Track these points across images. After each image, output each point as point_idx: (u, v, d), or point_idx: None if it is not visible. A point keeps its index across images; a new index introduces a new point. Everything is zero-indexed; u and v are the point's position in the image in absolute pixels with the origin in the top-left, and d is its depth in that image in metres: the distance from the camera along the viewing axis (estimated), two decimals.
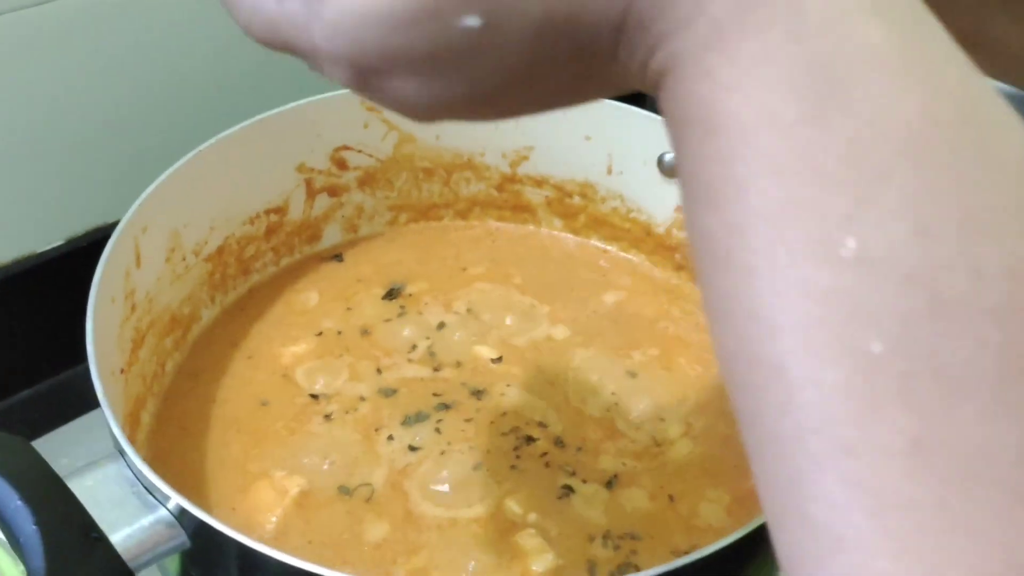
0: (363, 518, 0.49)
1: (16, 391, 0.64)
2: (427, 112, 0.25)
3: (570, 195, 0.65)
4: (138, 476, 0.41)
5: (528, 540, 0.47)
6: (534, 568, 0.46)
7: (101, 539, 0.38)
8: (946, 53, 0.22)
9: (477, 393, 0.54)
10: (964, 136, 0.21)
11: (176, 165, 0.54)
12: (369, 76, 0.24)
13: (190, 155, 0.55)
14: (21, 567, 0.37)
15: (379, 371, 0.56)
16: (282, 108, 0.58)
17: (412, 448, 0.51)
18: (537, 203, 0.65)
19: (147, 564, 0.40)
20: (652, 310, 0.61)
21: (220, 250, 0.59)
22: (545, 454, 0.51)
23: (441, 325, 0.59)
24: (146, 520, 0.40)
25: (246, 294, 0.61)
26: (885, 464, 0.20)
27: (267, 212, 0.61)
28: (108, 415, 0.42)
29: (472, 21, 0.22)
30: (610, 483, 0.50)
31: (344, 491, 0.50)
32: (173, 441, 0.52)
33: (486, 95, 0.24)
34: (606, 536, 0.48)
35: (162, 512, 0.41)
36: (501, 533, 0.48)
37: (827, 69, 0.21)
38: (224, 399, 0.54)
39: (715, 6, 0.22)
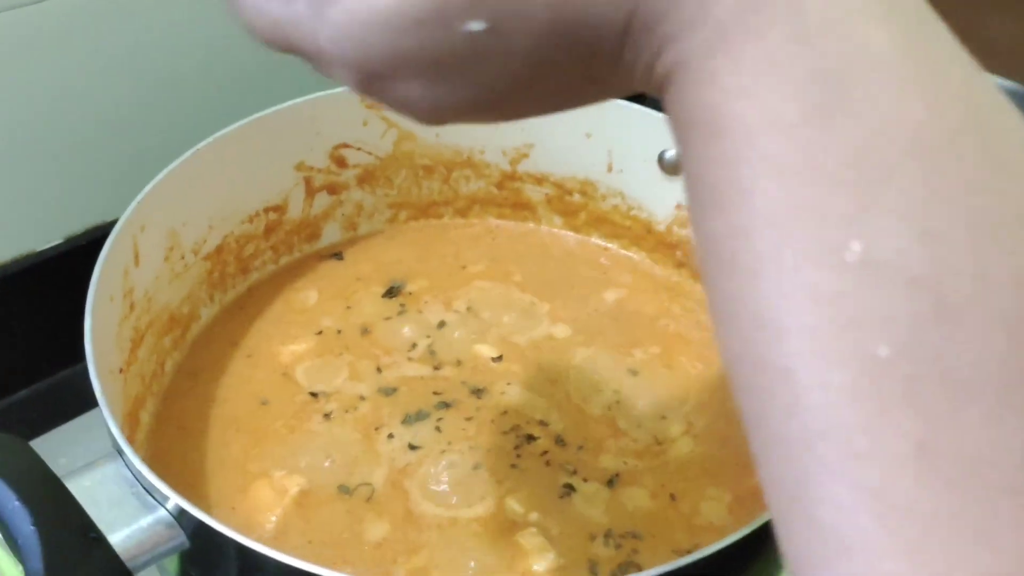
0: (363, 517, 0.48)
1: (15, 390, 0.64)
2: (433, 115, 0.25)
3: (570, 193, 0.64)
4: (137, 476, 0.41)
5: (529, 539, 0.47)
6: (535, 567, 0.46)
7: (100, 540, 0.38)
8: (951, 54, 0.22)
9: (477, 392, 0.54)
10: (969, 139, 0.21)
11: (174, 163, 0.54)
12: (374, 79, 0.24)
13: (188, 153, 0.54)
14: (21, 567, 0.36)
15: (379, 370, 0.56)
16: (281, 106, 0.58)
17: (412, 447, 0.51)
18: (537, 201, 0.65)
19: (146, 565, 0.40)
20: (653, 308, 0.60)
21: (219, 249, 0.58)
22: (546, 453, 0.51)
23: (441, 324, 0.58)
24: (145, 520, 0.40)
25: (245, 293, 0.60)
26: (892, 467, 0.20)
27: (266, 210, 0.61)
28: (106, 415, 0.42)
29: (476, 25, 0.22)
30: (611, 482, 0.50)
31: (344, 490, 0.49)
32: (172, 441, 0.52)
33: (492, 98, 0.24)
34: (607, 535, 0.48)
35: (161, 512, 0.40)
36: (502, 532, 0.48)
37: (831, 72, 0.21)
38: (224, 398, 0.54)
39: (719, 10, 0.22)
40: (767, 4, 0.21)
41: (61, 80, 0.60)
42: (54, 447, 0.58)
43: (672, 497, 0.50)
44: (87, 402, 0.43)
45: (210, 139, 0.55)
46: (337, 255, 0.63)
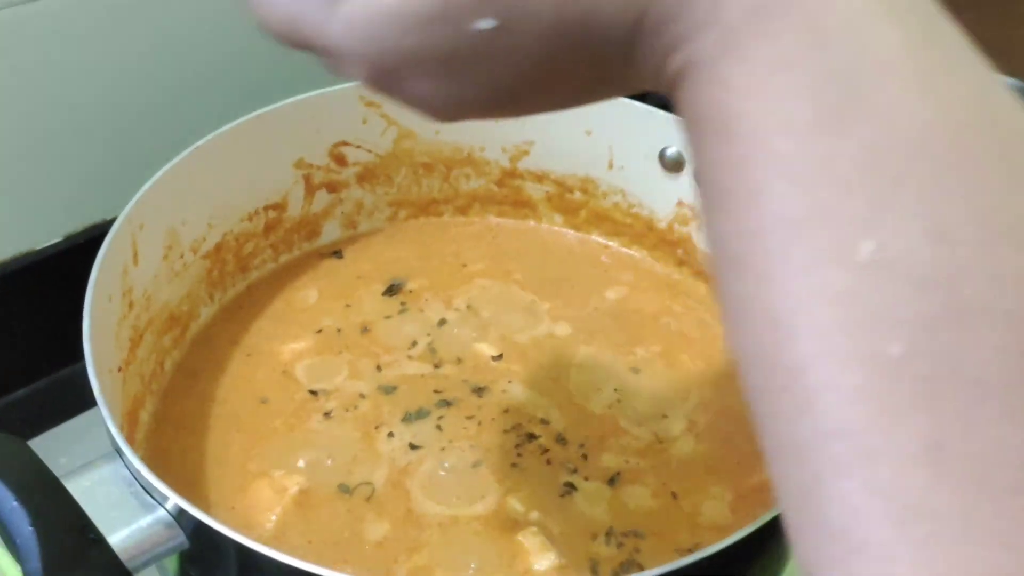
0: (363, 517, 0.48)
1: (14, 389, 0.64)
2: (444, 112, 0.26)
3: (571, 190, 0.64)
4: (136, 476, 0.41)
5: (530, 539, 0.47)
6: (536, 567, 0.46)
7: (98, 540, 0.38)
8: (963, 56, 0.22)
9: (478, 390, 0.54)
10: (981, 139, 0.21)
11: (173, 161, 0.54)
12: (385, 76, 0.24)
13: (188, 151, 0.54)
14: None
15: (379, 368, 0.55)
16: (280, 103, 0.58)
17: (413, 446, 0.51)
18: (538, 198, 0.65)
19: (145, 565, 0.40)
20: (654, 306, 0.60)
21: (218, 247, 0.58)
22: (547, 451, 0.51)
23: (442, 322, 0.58)
24: (144, 521, 0.40)
25: (245, 291, 0.60)
26: (904, 468, 0.20)
27: (266, 209, 0.60)
28: (105, 414, 0.42)
29: (486, 23, 0.22)
30: (613, 480, 0.50)
31: (344, 489, 0.49)
32: (172, 440, 0.52)
33: (503, 96, 0.25)
34: (609, 534, 0.48)
35: (160, 512, 0.40)
36: (503, 531, 0.47)
37: (842, 74, 0.21)
38: (223, 397, 0.54)
39: (730, 12, 0.22)
40: (778, 5, 0.21)
41: (60, 78, 0.60)
42: (53, 446, 0.58)
43: (674, 496, 0.50)
44: (86, 401, 0.43)
45: (209, 137, 0.55)
46: (337, 253, 0.63)
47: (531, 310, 0.59)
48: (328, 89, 0.59)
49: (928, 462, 0.19)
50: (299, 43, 0.26)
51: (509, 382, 0.55)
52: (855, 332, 0.20)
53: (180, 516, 0.40)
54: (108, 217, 0.51)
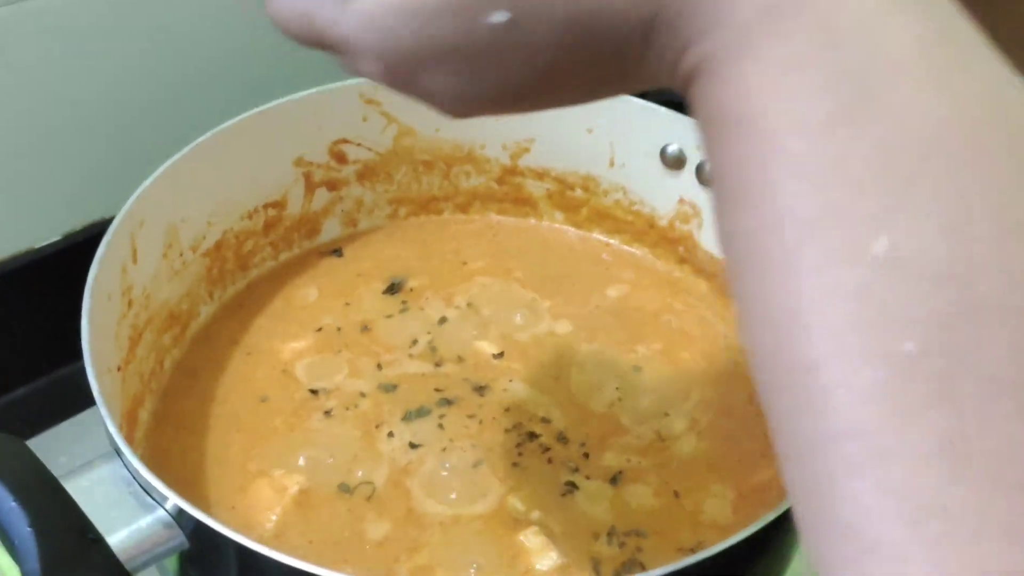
0: (364, 516, 0.48)
1: (13, 388, 0.64)
2: (458, 107, 0.26)
3: (572, 188, 0.64)
4: (135, 476, 0.41)
5: (532, 538, 0.46)
6: (538, 567, 0.46)
7: (98, 541, 0.37)
8: (978, 53, 0.22)
9: (479, 389, 0.54)
10: (995, 136, 0.21)
11: (172, 159, 0.53)
12: (399, 70, 0.25)
13: (186, 149, 0.54)
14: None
15: (379, 367, 0.55)
16: (280, 101, 0.58)
17: (413, 445, 0.51)
18: (538, 196, 0.65)
19: (145, 566, 0.40)
20: (655, 304, 0.60)
21: (218, 245, 0.58)
22: (548, 450, 0.51)
23: (442, 320, 0.58)
24: (143, 521, 0.40)
25: (245, 290, 0.60)
26: (919, 467, 0.19)
27: (265, 206, 0.60)
28: (104, 414, 0.42)
29: (499, 16, 0.23)
30: (614, 479, 0.50)
31: (344, 489, 0.49)
32: (171, 439, 0.52)
33: (516, 91, 0.25)
34: (611, 533, 0.47)
35: (160, 512, 0.40)
36: (504, 531, 0.47)
37: (856, 72, 0.21)
38: (223, 396, 0.54)
39: (743, 11, 0.22)
40: (791, 5, 0.21)
41: (59, 75, 0.60)
42: (54, 445, 0.58)
43: (676, 494, 0.49)
44: (86, 400, 0.42)
45: (209, 134, 0.55)
46: (337, 252, 0.63)
47: (532, 308, 0.59)
48: (328, 86, 0.59)
49: (942, 460, 0.19)
50: (313, 40, 0.26)
51: (510, 381, 0.54)
52: (868, 330, 0.20)
53: (180, 516, 0.40)
54: (107, 215, 0.51)
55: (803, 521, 0.22)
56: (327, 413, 0.53)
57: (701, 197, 0.59)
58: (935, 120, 0.21)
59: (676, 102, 0.58)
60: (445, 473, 0.50)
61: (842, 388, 0.20)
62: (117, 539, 0.39)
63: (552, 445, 0.51)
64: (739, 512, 0.49)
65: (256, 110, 0.57)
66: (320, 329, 0.57)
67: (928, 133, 0.21)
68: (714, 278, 0.60)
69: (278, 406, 0.53)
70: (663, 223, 0.62)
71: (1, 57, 0.57)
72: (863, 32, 0.21)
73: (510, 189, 0.65)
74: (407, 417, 0.52)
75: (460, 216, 0.66)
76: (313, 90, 0.59)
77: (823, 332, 0.21)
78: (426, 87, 0.25)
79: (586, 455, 0.51)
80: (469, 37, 0.23)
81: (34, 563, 0.35)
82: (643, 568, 0.46)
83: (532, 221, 0.65)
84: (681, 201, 0.61)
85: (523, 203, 0.65)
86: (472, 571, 0.46)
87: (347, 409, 0.53)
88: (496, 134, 0.63)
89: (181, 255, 0.56)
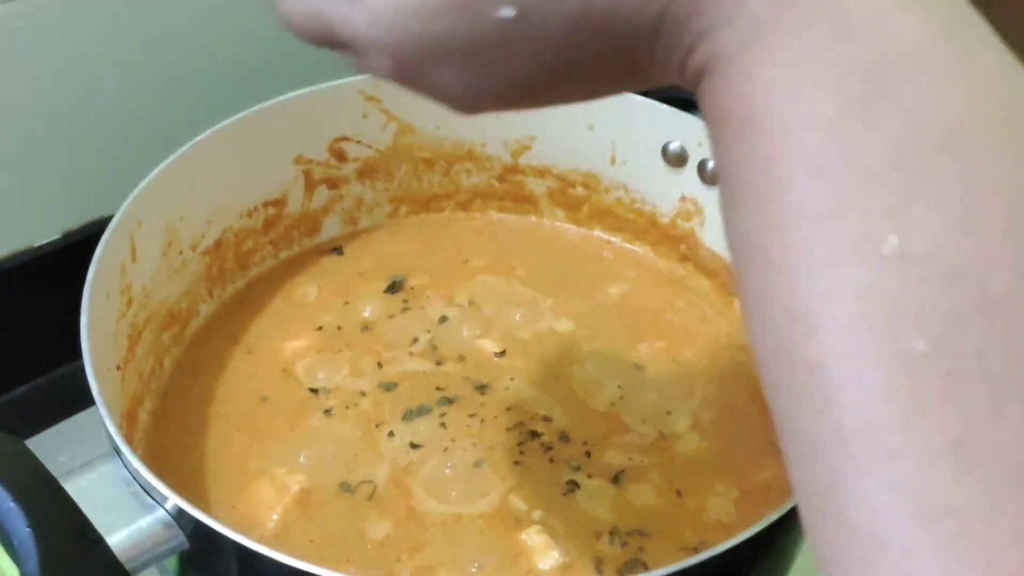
0: (365, 515, 0.48)
1: (12, 387, 0.63)
2: (468, 102, 0.26)
3: (573, 185, 0.64)
4: (135, 476, 0.40)
5: (534, 538, 0.46)
6: (540, 566, 0.45)
7: (97, 541, 0.37)
8: (990, 49, 0.22)
9: (480, 388, 0.54)
10: (1008, 132, 0.21)
11: (172, 157, 0.53)
12: (409, 66, 0.25)
13: (186, 147, 0.54)
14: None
15: (380, 365, 0.55)
16: (279, 98, 0.57)
17: (414, 444, 0.51)
18: (539, 194, 0.65)
19: (145, 566, 0.39)
20: (657, 302, 0.60)
21: (218, 244, 0.58)
22: (550, 449, 0.51)
23: (443, 319, 0.58)
24: (143, 521, 0.39)
25: (244, 288, 0.60)
26: (929, 466, 0.19)
27: (265, 205, 0.60)
28: (103, 413, 0.41)
29: (507, 11, 0.23)
30: (616, 478, 0.49)
31: (346, 488, 0.49)
32: (172, 439, 0.51)
33: (525, 86, 0.25)
34: (613, 533, 0.47)
35: (160, 512, 0.40)
36: (506, 530, 0.47)
37: (869, 67, 0.21)
38: (223, 396, 0.54)
39: (754, 5, 0.22)
40: (806, 1, 0.21)
41: (57, 73, 0.60)
42: (54, 444, 0.57)
43: (678, 493, 0.49)
44: (85, 400, 0.42)
45: (208, 132, 0.55)
46: (337, 250, 0.63)
47: (533, 306, 0.59)
48: (328, 84, 0.59)
49: (953, 459, 0.19)
50: (324, 37, 0.26)
51: (511, 379, 0.54)
52: (878, 328, 0.20)
53: (180, 516, 0.40)
54: (106, 214, 0.51)
55: (810, 521, 0.22)
56: (327, 412, 0.52)
57: (703, 195, 0.59)
58: (950, 115, 0.21)
59: (678, 99, 0.57)
60: (446, 472, 0.49)
61: (851, 386, 0.20)
62: (117, 539, 0.39)
63: (554, 444, 0.51)
64: (742, 511, 0.49)
65: (256, 108, 0.57)
66: (320, 328, 0.57)
67: (943, 128, 0.21)
68: (716, 276, 0.60)
69: (278, 405, 0.53)
70: (665, 221, 0.62)
71: (1, 55, 0.57)
72: (876, 26, 0.21)
73: (511, 187, 0.65)
74: (408, 416, 0.52)
75: (461, 214, 0.65)
76: (313, 88, 0.58)
77: (832, 330, 0.20)
78: (435, 82, 0.25)
79: (588, 454, 0.51)
80: (476, 32, 0.23)
81: (33, 564, 0.35)
82: (645, 567, 0.46)
83: (533, 219, 0.65)
84: (683, 199, 0.60)
85: (524, 201, 0.65)
86: (474, 570, 0.46)
87: (347, 408, 0.53)
88: (497, 132, 0.63)
89: (181, 254, 0.55)
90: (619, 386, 0.54)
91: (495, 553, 0.46)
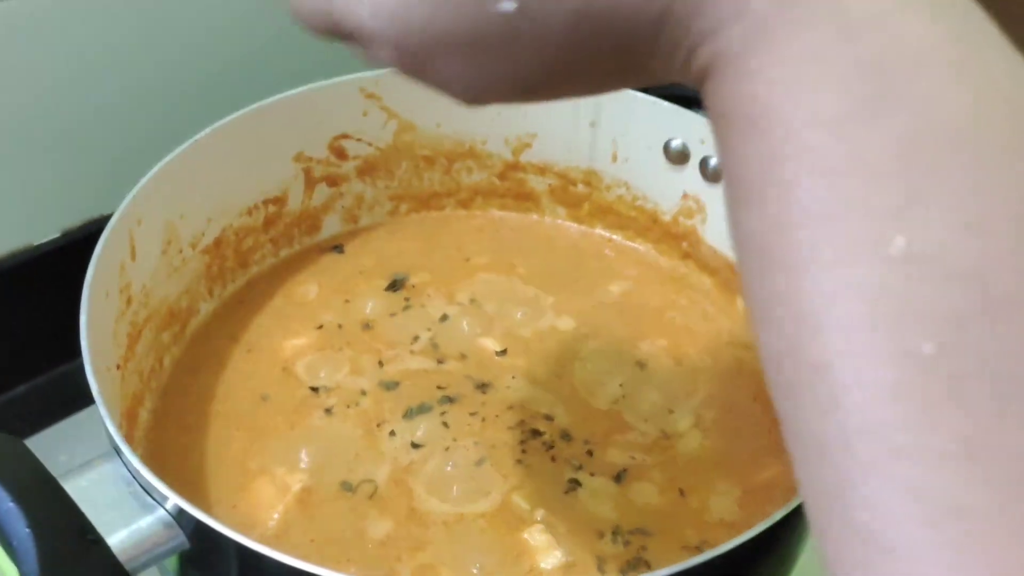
0: (366, 515, 0.48)
1: (12, 387, 0.63)
2: (471, 95, 0.26)
3: (574, 183, 0.63)
4: (135, 475, 0.40)
5: (536, 537, 0.46)
6: (542, 565, 0.45)
7: (97, 541, 0.37)
8: (997, 49, 0.22)
9: (482, 386, 0.53)
10: (1015, 132, 0.21)
11: (171, 156, 0.53)
12: (413, 57, 0.25)
13: (185, 145, 0.53)
14: None
15: (381, 364, 0.55)
16: (279, 96, 0.57)
17: (415, 443, 0.51)
18: (540, 191, 0.64)
19: (145, 566, 0.39)
20: (659, 300, 0.60)
21: (217, 242, 0.58)
22: (552, 448, 0.50)
23: (444, 317, 0.58)
24: (143, 521, 0.39)
25: (244, 287, 0.60)
26: (937, 468, 0.19)
27: (265, 203, 0.60)
28: (103, 413, 0.41)
29: (507, 6, 0.23)
30: (619, 477, 0.49)
31: (346, 487, 0.49)
32: (172, 438, 0.51)
33: (528, 80, 0.25)
34: (615, 532, 0.47)
35: (160, 512, 0.40)
36: (508, 529, 0.47)
37: (875, 66, 0.21)
38: (224, 394, 0.53)
39: (757, 4, 0.21)
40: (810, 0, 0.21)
41: (56, 72, 0.59)
42: (54, 443, 0.57)
43: (681, 492, 0.49)
44: (85, 399, 0.42)
45: (207, 130, 0.54)
46: (338, 248, 0.63)
47: (535, 304, 0.59)
48: (328, 82, 0.58)
49: (961, 460, 0.19)
50: (331, 29, 0.26)
51: (513, 378, 0.54)
52: (885, 328, 0.20)
53: (180, 516, 0.40)
54: (105, 212, 0.50)
55: (817, 523, 0.21)
56: (328, 411, 0.52)
57: (705, 192, 0.59)
58: (955, 114, 0.21)
59: (679, 96, 0.57)
60: (448, 471, 0.49)
61: (857, 387, 0.20)
62: (117, 539, 0.39)
63: (555, 442, 0.51)
64: (745, 509, 0.48)
65: (255, 105, 0.56)
66: (321, 326, 0.57)
67: (949, 126, 0.20)
68: (718, 273, 0.60)
69: (279, 404, 0.53)
70: (666, 218, 0.61)
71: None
72: (881, 24, 0.21)
73: (512, 185, 0.64)
74: (409, 415, 0.52)
75: (462, 212, 0.65)
76: (313, 85, 0.58)
77: (837, 330, 0.20)
78: (438, 74, 0.25)
79: (590, 452, 0.50)
80: (477, 25, 0.23)
81: (33, 564, 0.35)
82: (648, 567, 0.45)
83: (534, 217, 0.65)
84: (685, 196, 0.60)
85: (525, 199, 0.65)
86: (475, 570, 0.45)
87: (348, 407, 0.52)
88: (498, 129, 0.62)
89: (180, 252, 0.55)
90: (621, 384, 0.54)
91: (497, 552, 0.46)
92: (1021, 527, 0.19)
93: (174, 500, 0.39)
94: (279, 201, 0.60)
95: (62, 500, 0.38)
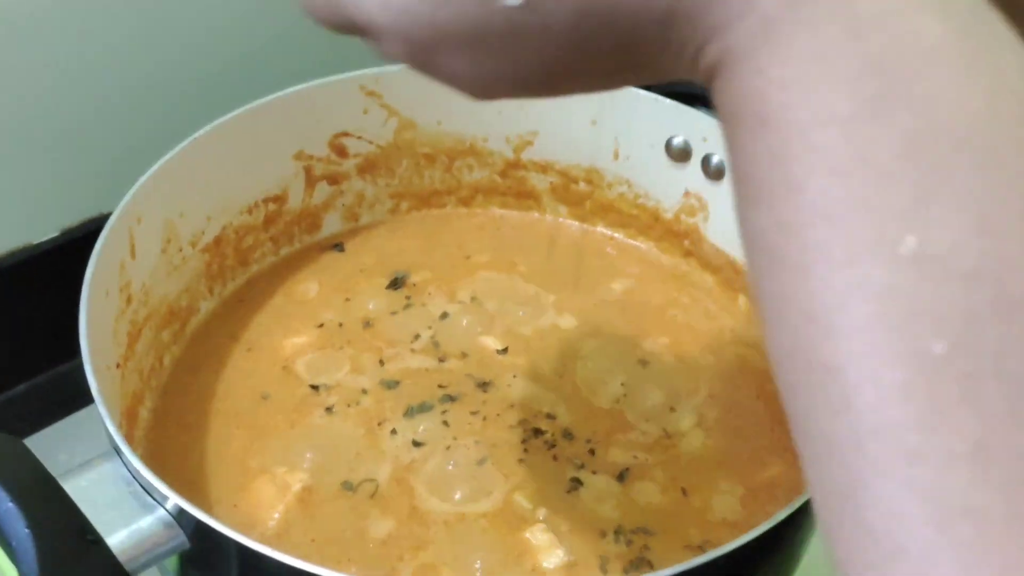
0: (367, 514, 0.47)
1: (12, 386, 0.63)
2: (479, 89, 0.26)
3: (575, 181, 0.63)
4: (135, 475, 0.40)
5: (538, 536, 0.46)
6: (545, 564, 0.45)
7: (97, 542, 0.37)
8: (1007, 46, 0.22)
9: (483, 385, 0.53)
10: None
11: (170, 154, 0.53)
12: (421, 52, 0.25)
13: (185, 143, 0.53)
14: None
15: (381, 363, 0.55)
16: (279, 94, 0.57)
17: (416, 442, 0.50)
18: (542, 189, 0.64)
19: (145, 567, 0.39)
20: (661, 298, 0.59)
21: (217, 240, 0.57)
22: (554, 447, 0.50)
23: (445, 315, 0.57)
24: (144, 521, 0.39)
25: (245, 285, 0.59)
26: (948, 469, 0.19)
27: (265, 201, 0.59)
28: (103, 412, 0.41)
29: (513, 0, 0.23)
30: (621, 476, 0.49)
31: (347, 487, 0.48)
32: (172, 437, 0.51)
33: (535, 75, 0.25)
34: (618, 531, 0.47)
35: (160, 512, 0.39)
36: (510, 528, 0.47)
37: (884, 64, 0.21)
38: (224, 393, 0.53)
39: (765, 2, 0.21)
40: None
41: (55, 71, 0.59)
42: (54, 443, 0.57)
43: (683, 491, 0.49)
44: (84, 398, 0.42)
45: (207, 128, 0.54)
46: (338, 246, 0.62)
47: (536, 303, 0.58)
48: (328, 79, 0.58)
49: (972, 461, 0.19)
50: (341, 23, 0.26)
51: (514, 376, 0.54)
52: (896, 328, 0.20)
53: (180, 516, 0.39)
54: (105, 211, 0.50)
55: (827, 523, 0.21)
56: (329, 410, 0.52)
57: (707, 190, 0.59)
58: (966, 111, 0.20)
59: (681, 93, 0.57)
60: (449, 470, 0.49)
61: (869, 388, 0.20)
62: (116, 540, 0.38)
63: (557, 441, 0.50)
64: (747, 508, 0.48)
65: (255, 103, 0.56)
66: (321, 325, 0.57)
67: (959, 124, 0.20)
68: (720, 271, 0.60)
69: (279, 403, 0.53)
70: (668, 216, 0.61)
71: None
72: (890, 21, 0.21)
73: (513, 183, 0.64)
74: (410, 413, 0.52)
75: (463, 210, 0.65)
76: (313, 83, 0.58)
77: (850, 330, 0.20)
78: (446, 68, 0.25)
79: (592, 451, 0.50)
80: (483, 20, 0.23)
81: (32, 565, 0.34)
82: (651, 566, 0.45)
83: (535, 215, 0.65)
84: (687, 194, 0.60)
85: (526, 196, 0.64)
86: (477, 569, 0.45)
87: (349, 406, 0.52)
88: (499, 127, 0.62)
89: (180, 250, 0.55)
90: (623, 383, 0.54)
91: (498, 552, 0.46)
92: None
93: (174, 500, 0.39)
94: (279, 199, 0.60)
95: (62, 500, 0.38)
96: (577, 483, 0.49)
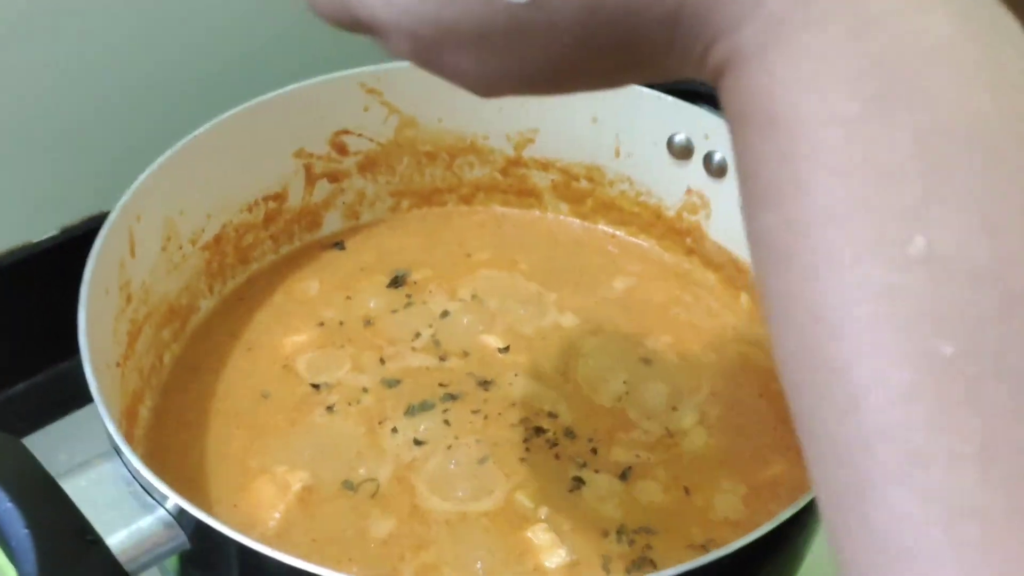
0: (368, 514, 0.47)
1: (11, 385, 0.63)
2: (485, 87, 0.26)
3: (577, 179, 0.63)
4: (134, 475, 0.40)
5: (540, 535, 0.46)
6: (547, 564, 0.45)
7: (96, 542, 0.37)
8: (1013, 45, 0.22)
9: (484, 383, 0.53)
10: None
11: (170, 152, 0.52)
12: (427, 49, 0.25)
13: (185, 141, 0.53)
14: None
15: (382, 361, 0.54)
16: (279, 91, 0.57)
17: (418, 441, 0.50)
18: (543, 187, 0.64)
19: (145, 567, 0.39)
20: (663, 296, 0.59)
21: (217, 239, 0.57)
22: (555, 446, 0.50)
23: (445, 313, 0.57)
24: (143, 521, 0.39)
25: (245, 284, 0.59)
26: (955, 471, 0.19)
27: (265, 199, 0.59)
28: (102, 411, 0.41)
29: None
30: (623, 475, 0.49)
31: (348, 486, 0.48)
32: (172, 436, 0.51)
33: (541, 72, 0.25)
34: (620, 530, 0.47)
35: (160, 512, 0.39)
36: (512, 528, 0.46)
37: (891, 64, 0.21)
38: (224, 392, 0.53)
39: (773, 2, 0.21)
40: None
41: (55, 69, 0.59)
42: (51, 443, 0.57)
43: (686, 490, 0.49)
44: (84, 397, 0.42)
45: (207, 126, 0.54)
46: (339, 244, 0.62)
47: (537, 301, 0.58)
48: (328, 76, 0.58)
49: (979, 463, 0.19)
50: (347, 21, 0.26)
51: (515, 375, 0.54)
52: (903, 329, 0.20)
53: (180, 516, 0.39)
54: (104, 209, 0.50)
55: (832, 523, 0.21)
56: (329, 408, 0.52)
57: (709, 187, 0.58)
58: (974, 111, 0.20)
59: (683, 91, 0.57)
60: (450, 469, 0.49)
61: (876, 389, 0.20)
62: (116, 540, 0.38)
63: (559, 440, 0.50)
64: (750, 507, 0.48)
65: (255, 101, 0.56)
66: (322, 323, 0.57)
67: (965, 124, 0.20)
68: (722, 269, 0.60)
69: (279, 402, 0.52)
70: (670, 214, 0.61)
71: None
72: (896, 21, 0.21)
73: (514, 180, 0.64)
74: (411, 412, 0.51)
75: (464, 208, 0.65)
76: (313, 80, 0.58)
77: (857, 330, 0.20)
78: (452, 65, 0.25)
79: (594, 450, 0.50)
80: (488, 18, 0.23)
81: (31, 565, 0.34)
82: (653, 565, 0.45)
83: (536, 213, 0.65)
84: (688, 191, 0.60)
85: (527, 194, 0.64)
86: (479, 569, 0.45)
87: (349, 405, 0.52)
88: (499, 124, 0.62)
89: (180, 249, 0.55)
90: (625, 381, 0.53)
91: (500, 551, 0.46)
92: None
93: (174, 500, 0.39)
94: (279, 197, 0.60)
95: (61, 500, 0.37)
96: (579, 482, 0.48)
